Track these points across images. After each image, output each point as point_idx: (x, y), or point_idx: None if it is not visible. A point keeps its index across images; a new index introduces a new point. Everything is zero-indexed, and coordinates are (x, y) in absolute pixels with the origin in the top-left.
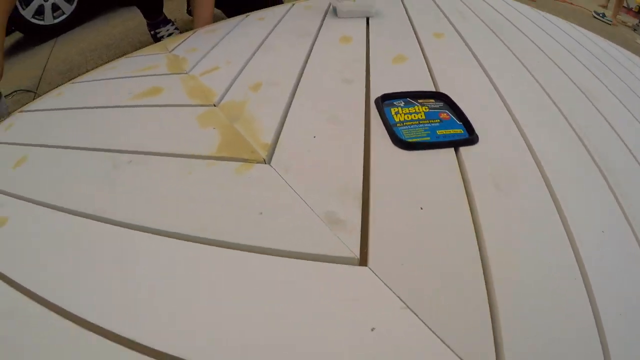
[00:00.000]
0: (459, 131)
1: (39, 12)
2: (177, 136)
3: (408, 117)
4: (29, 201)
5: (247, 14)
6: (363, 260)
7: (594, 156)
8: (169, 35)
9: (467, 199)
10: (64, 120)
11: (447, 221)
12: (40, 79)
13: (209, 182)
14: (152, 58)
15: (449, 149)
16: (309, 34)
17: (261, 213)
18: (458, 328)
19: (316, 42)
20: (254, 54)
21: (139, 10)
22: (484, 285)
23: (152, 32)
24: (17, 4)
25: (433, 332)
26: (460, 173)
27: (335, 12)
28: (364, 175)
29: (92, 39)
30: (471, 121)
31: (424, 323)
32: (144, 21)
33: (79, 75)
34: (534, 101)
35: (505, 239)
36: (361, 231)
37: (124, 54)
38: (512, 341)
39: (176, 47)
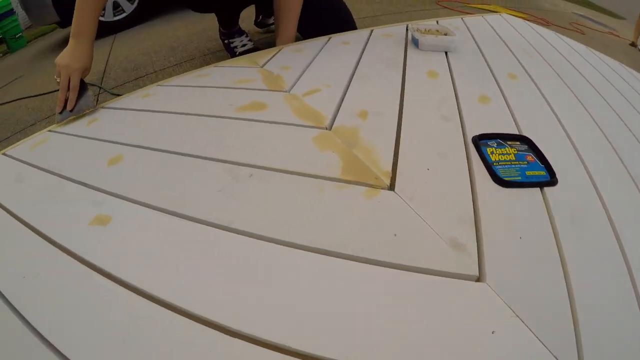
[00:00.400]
0: (542, 173)
1: None
2: (298, 156)
3: (501, 158)
4: (133, 202)
5: (329, 36)
6: (481, 277)
7: None
8: (243, 46)
9: (552, 231)
10: (158, 122)
11: (540, 248)
12: (103, 74)
13: (341, 202)
14: (245, 71)
15: (535, 188)
16: (396, 64)
17: (395, 235)
18: (552, 332)
19: (406, 75)
20: (350, 80)
21: (201, 16)
22: (568, 301)
23: (225, 41)
24: None
25: (535, 334)
26: (545, 210)
27: (415, 43)
28: (473, 206)
29: (155, 40)
30: (551, 164)
31: (528, 328)
32: (208, 27)
33: (146, 74)
34: (597, 146)
35: (582, 266)
36: (478, 254)
37: (191, 58)
38: (592, 343)
39: (266, 62)
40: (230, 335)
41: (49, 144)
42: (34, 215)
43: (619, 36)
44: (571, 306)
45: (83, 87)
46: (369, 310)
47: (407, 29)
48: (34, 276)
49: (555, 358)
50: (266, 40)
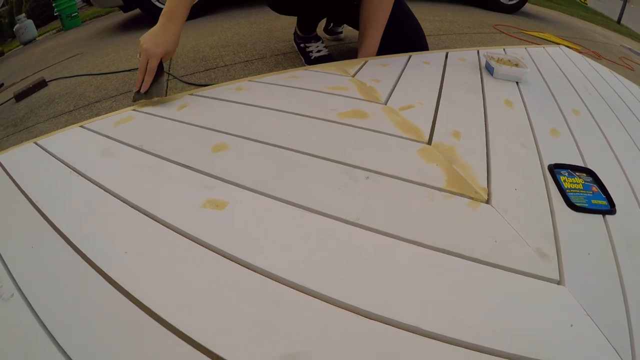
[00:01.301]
0: (604, 203)
1: None
2: (407, 165)
3: (572, 186)
4: (249, 190)
5: (410, 54)
6: (561, 282)
7: None
8: (318, 52)
9: (612, 252)
10: (259, 116)
11: (603, 264)
12: (170, 62)
13: (450, 210)
14: (337, 78)
15: (599, 215)
16: (475, 90)
17: (496, 241)
18: (614, 331)
19: (486, 101)
20: (438, 100)
21: (268, 16)
22: (624, 308)
23: (301, 45)
24: None
25: (603, 333)
26: (607, 234)
27: (489, 70)
28: (552, 224)
29: (220, 35)
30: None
31: (597, 326)
32: (273, 28)
33: (216, 67)
34: None
35: (635, 283)
36: (558, 263)
37: (261, 56)
38: None
39: (356, 73)
40: (368, 317)
41: (136, 123)
42: (132, 192)
43: None
44: (627, 313)
45: (160, 72)
46: (478, 301)
47: (478, 54)
48: (139, 254)
49: (614, 348)
50: (335, 47)
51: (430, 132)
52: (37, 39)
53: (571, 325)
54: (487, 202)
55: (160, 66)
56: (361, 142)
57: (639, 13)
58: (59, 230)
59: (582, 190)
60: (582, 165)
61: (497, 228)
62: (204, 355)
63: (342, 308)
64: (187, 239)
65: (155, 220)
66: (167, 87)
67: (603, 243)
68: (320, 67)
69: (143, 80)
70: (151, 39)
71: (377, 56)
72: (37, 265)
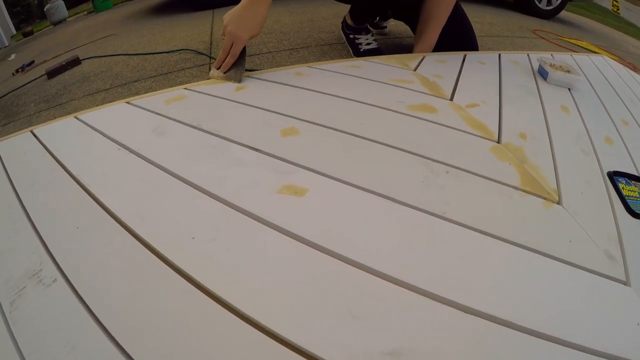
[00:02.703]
0: None
1: None
2: (482, 162)
3: (630, 193)
4: (328, 177)
5: (464, 53)
6: (627, 282)
7: None
8: (368, 44)
9: None
10: (325, 102)
11: None
12: (210, 46)
13: (527, 209)
14: (398, 71)
15: None
16: (533, 93)
17: (570, 241)
18: None
19: (544, 105)
20: (499, 100)
21: (307, 6)
22: None
23: (350, 36)
24: None
25: None
26: None
27: (543, 75)
28: (616, 229)
29: None
30: None
31: None
32: (314, 18)
33: (260, 53)
34: None
35: None
36: (624, 265)
37: (306, 45)
38: None
39: (417, 66)
40: (466, 312)
41: (190, 102)
42: (194, 173)
43: None
44: None
45: (242, 56)
46: (556, 298)
47: (529, 58)
48: (210, 240)
49: None
50: (381, 41)
51: (499, 131)
52: (67, 19)
53: (638, 324)
54: (559, 202)
55: (243, 50)
56: (435, 136)
57: None
58: (109, 210)
59: (638, 197)
60: (636, 174)
61: (569, 228)
62: (296, 354)
63: (440, 302)
64: (264, 226)
65: (225, 204)
66: (209, 69)
67: None
68: (379, 58)
69: (224, 60)
70: (236, 21)
71: (433, 52)
72: (84, 248)
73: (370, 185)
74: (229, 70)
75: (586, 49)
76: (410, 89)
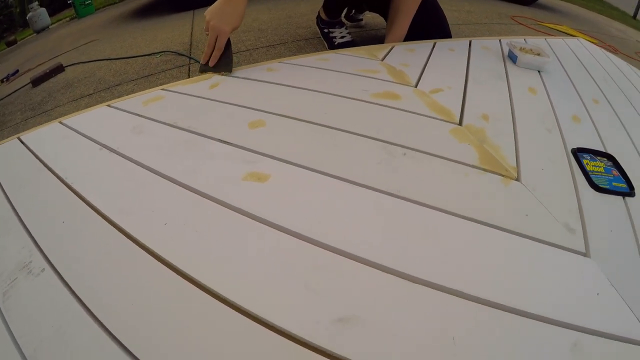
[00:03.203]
0: (623, 185)
1: None
2: (441, 143)
3: (595, 169)
4: (290, 163)
5: (434, 41)
6: (587, 254)
7: None
8: (342, 37)
9: (632, 229)
10: (292, 95)
11: (626, 240)
12: (190, 47)
13: (484, 185)
14: (366, 62)
15: (619, 196)
16: (500, 76)
17: (527, 215)
18: (636, 298)
19: (511, 88)
20: (465, 84)
21: (286, 3)
22: None
23: (325, 30)
24: None
25: (626, 303)
26: (627, 213)
27: (512, 59)
28: (577, 202)
29: None
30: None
31: (621, 297)
32: (292, 14)
33: (238, 51)
34: None
35: None
36: (584, 237)
37: (283, 41)
38: None
39: (385, 57)
40: (415, 282)
41: (167, 102)
42: (168, 166)
43: None
44: None
45: (228, 47)
46: (512, 268)
47: (500, 44)
48: (181, 225)
49: (637, 318)
50: (356, 34)
51: (461, 114)
52: (50, 27)
53: (597, 294)
54: (517, 179)
55: (228, 42)
56: (395, 121)
57: None
58: (92, 204)
59: (603, 173)
60: (603, 150)
61: (527, 203)
62: (254, 322)
63: (389, 273)
64: (229, 210)
65: (196, 193)
66: (188, 75)
67: (624, 222)
68: (349, 50)
69: (211, 54)
70: (218, 15)
71: (403, 42)
72: (69, 240)
73: (329, 169)
74: (218, 62)
75: (565, 33)
76: (375, 78)
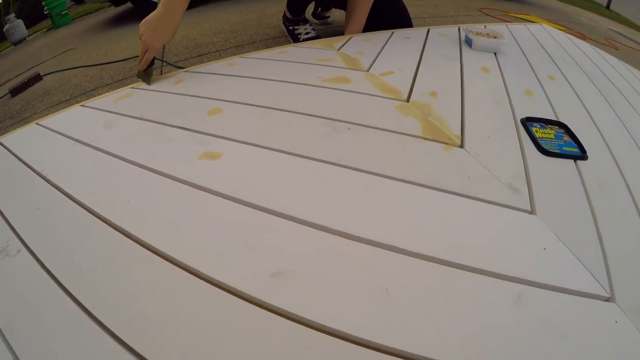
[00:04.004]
0: (575, 150)
1: None
2: (386, 118)
3: (544, 135)
4: (241, 142)
5: (392, 31)
6: (533, 211)
7: None
8: (307, 34)
9: (584, 190)
10: (250, 85)
11: (575, 199)
12: (163, 50)
13: (424, 153)
14: (323, 52)
15: (570, 160)
16: (454, 58)
17: (468, 177)
18: (587, 254)
19: (463, 68)
20: (417, 67)
21: (258, 4)
22: (597, 236)
23: (290, 27)
24: None
25: (575, 256)
26: (579, 175)
27: (468, 43)
28: (524, 166)
29: (212, 23)
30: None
31: (568, 248)
32: (263, 15)
33: (208, 52)
34: (620, 135)
35: (608, 219)
36: (529, 196)
37: (252, 41)
38: (617, 266)
39: (342, 47)
40: (350, 239)
41: (135, 98)
42: (134, 153)
43: None
44: (599, 239)
45: (152, 61)
46: (453, 226)
47: (459, 31)
48: (141, 200)
49: (589, 272)
50: (323, 31)
51: (409, 93)
52: (27, 38)
53: (544, 249)
54: (461, 146)
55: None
56: (343, 101)
57: None
58: (64, 191)
59: (553, 139)
60: (556, 120)
61: (470, 167)
62: (201, 280)
63: (325, 231)
64: (184, 185)
65: (155, 173)
66: (161, 72)
67: (574, 182)
68: (307, 43)
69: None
70: (151, 32)
71: (362, 33)
72: (43, 223)
73: (276, 145)
74: (144, 72)
75: (533, 21)
76: (330, 66)
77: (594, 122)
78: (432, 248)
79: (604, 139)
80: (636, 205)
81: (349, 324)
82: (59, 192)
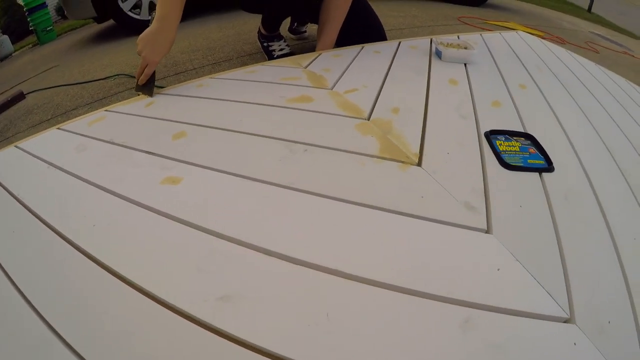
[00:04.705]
0: (541, 162)
1: (137, 6)
2: (344, 138)
3: (508, 148)
4: (202, 167)
5: (362, 45)
6: (489, 230)
7: (632, 188)
8: (281, 50)
9: (547, 203)
10: (215, 107)
11: (536, 214)
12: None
13: (379, 173)
14: (290, 70)
15: (535, 173)
16: (422, 72)
17: (422, 197)
18: (545, 273)
19: (431, 80)
20: (383, 82)
21: (237, 20)
22: (559, 253)
23: (264, 44)
24: None
25: (530, 274)
26: (542, 189)
27: (438, 55)
28: (483, 182)
29: (191, 40)
30: (549, 156)
31: (525, 269)
32: (241, 31)
33: (185, 70)
34: (592, 145)
35: (572, 233)
36: (486, 214)
37: (228, 58)
38: (578, 285)
39: (309, 64)
40: (294, 263)
41: (108, 121)
42: (101, 177)
43: (633, 56)
44: (562, 257)
45: (152, 75)
46: (404, 249)
47: (430, 42)
48: (105, 225)
49: (547, 292)
50: (299, 46)
51: (371, 110)
52: (13, 54)
53: (498, 269)
54: (418, 165)
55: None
56: (304, 121)
57: (609, 1)
58: (37, 215)
59: (518, 152)
60: (522, 131)
61: (424, 186)
62: (154, 302)
63: (271, 256)
64: (145, 210)
65: (120, 198)
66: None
67: (537, 196)
68: (276, 61)
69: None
70: (150, 47)
71: (332, 49)
72: (18, 245)
73: (234, 169)
74: (145, 85)
75: (512, 28)
76: (295, 85)
77: (564, 131)
78: (378, 272)
79: (574, 148)
80: (603, 214)
81: (289, 348)
82: (32, 215)
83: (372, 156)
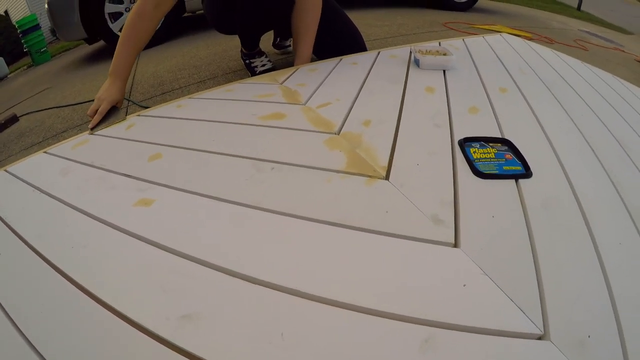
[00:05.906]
0: (518, 168)
1: None
2: (311, 154)
3: (482, 156)
4: (173, 188)
5: (340, 57)
6: (457, 244)
7: (619, 190)
8: (263, 66)
9: (523, 212)
10: (191, 128)
11: (510, 224)
12: (131, 88)
13: (345, 188)
14: (266, 87)
15: (511, 180)
16: (399, 81)
17: (387, 212)
18: (517, 287)
19: (407, 90)
20: (357, 94)
21: (222, 38)
22: (533, 265)
23: (246, 61)
24: (107, 17)
25: (500, 288)
26: (518, 196)
27: (416, 63)
28: (454, 192)
29: (179, 59)
30: (528, 161)
31: (494, 283)
32: (228, 48)
33: (172, 89)
34: (575, 147)
35: (550, 242)
36: (454, 227)
37: (213, 76)
38: (554, 300)
39: (285, 80)
40: (254, 283)
41: (91, 144)
42: (81, 200)
43: (623, 51)
44: (536, 269)
45: (114, 108)
46: (364, 265)
47: (410, 51)
48: (82, 247)
49: (518, 307)
50: (283, 61)
51: (342, 124)
52: (8, 76)
53: (464, 285)
54: (386, 178)
55: (114, 107)
56: (274, 139)
57: None
58: (21, 237)
59: (493, 159)
60: (500, 136)
61: (390, 201)
62: (121, 320)
63: (231, 275)
64: (117, 231)
65: (96, 220)
66: (126, 112)
67: (513, 205)
68: (255, 78)
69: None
70: (104, 92)
71: (310, 62)
72: (2, 267)
73: (203, 189)
74: (104, 118)
75: (498, 31)
76: (269, 102)
77: (545, 133)
78: (337, 292)
79: (555, 151)
80: (585, 219)
81: None
82: (17, 238)
83: (338, 172)
